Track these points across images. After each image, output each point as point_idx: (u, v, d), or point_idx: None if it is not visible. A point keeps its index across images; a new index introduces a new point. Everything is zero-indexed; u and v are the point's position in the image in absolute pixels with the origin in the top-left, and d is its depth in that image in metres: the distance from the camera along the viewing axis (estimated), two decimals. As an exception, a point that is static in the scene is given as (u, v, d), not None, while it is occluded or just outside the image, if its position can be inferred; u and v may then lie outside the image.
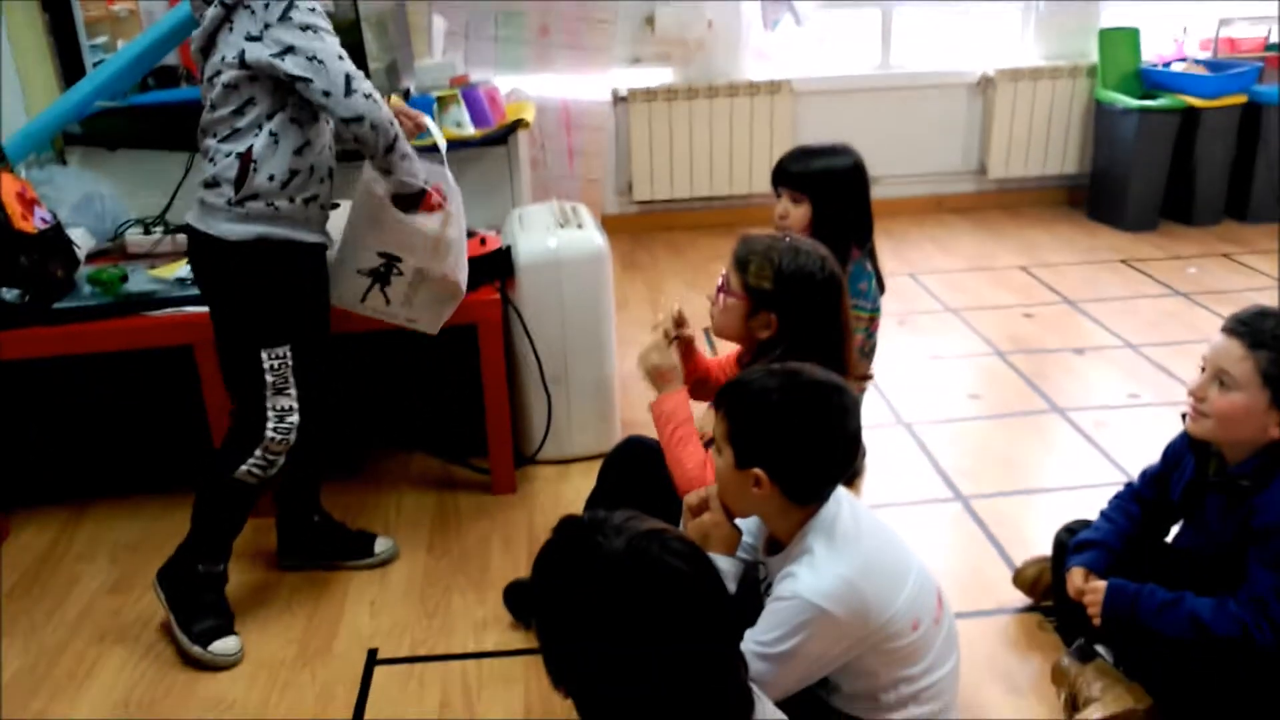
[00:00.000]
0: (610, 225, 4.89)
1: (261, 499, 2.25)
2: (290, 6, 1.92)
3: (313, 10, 1.95)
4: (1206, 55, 5.00)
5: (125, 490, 2.84)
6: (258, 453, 2.11)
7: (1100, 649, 1.96)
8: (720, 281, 2.07)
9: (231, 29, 1.95)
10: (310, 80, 1.92)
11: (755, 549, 1.77)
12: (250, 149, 1.98)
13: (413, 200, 2.19)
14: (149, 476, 2.88)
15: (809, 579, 1.54)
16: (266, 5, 1.92)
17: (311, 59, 1.92)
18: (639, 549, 1.19)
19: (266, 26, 1.91)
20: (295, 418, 2.12)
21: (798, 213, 2.57)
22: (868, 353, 2.70)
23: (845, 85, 5.06)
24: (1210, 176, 4.86)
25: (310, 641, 2.25)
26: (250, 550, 2.51)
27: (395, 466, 2.91)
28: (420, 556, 2.53)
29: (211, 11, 1.96)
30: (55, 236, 2.45)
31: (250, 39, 1.92)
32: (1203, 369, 1.82)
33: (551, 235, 2.79)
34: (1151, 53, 5.05)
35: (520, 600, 2.26)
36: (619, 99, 4.86)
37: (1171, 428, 2.98)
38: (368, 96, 1.96)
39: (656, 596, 1.16)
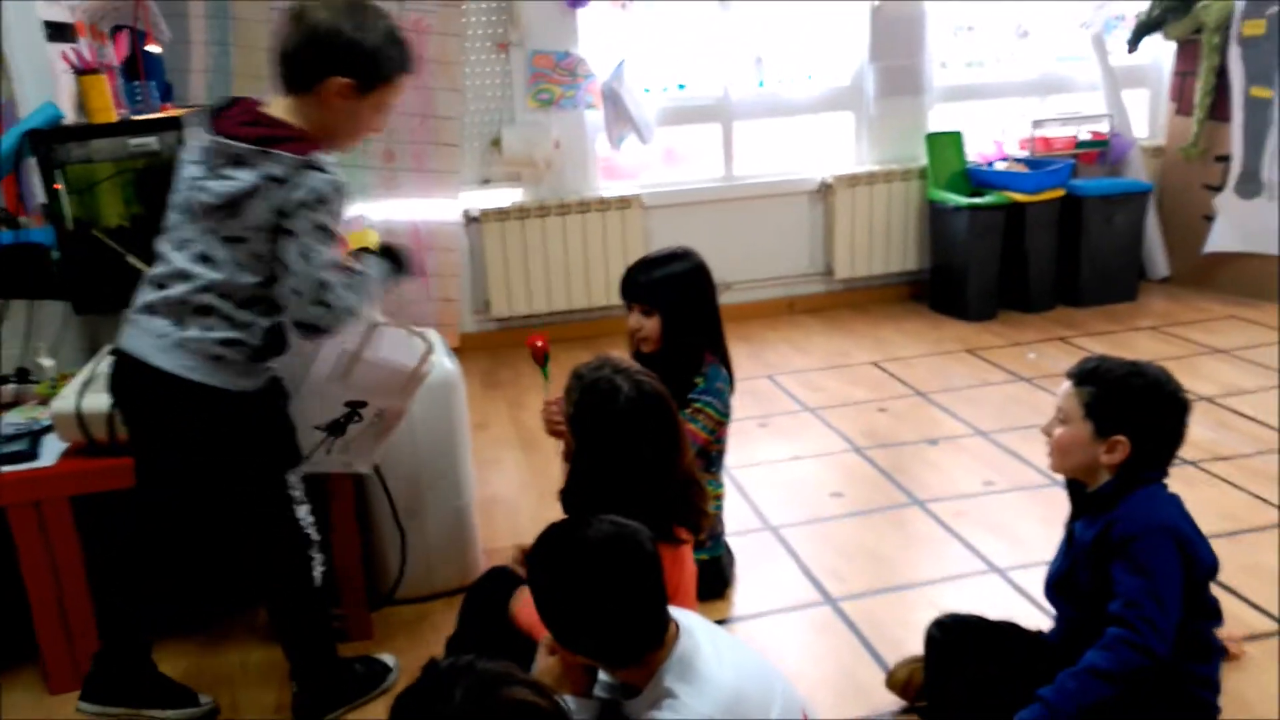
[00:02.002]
0: (469, 344, 4.86)
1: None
2: (322, 201, 1.91)
3: (336, 216, 1.95)
4: (1025, 154, 5.34)
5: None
6: (314, 554, 2.21)
7: (975, 749, 1.95)
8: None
9: (266, 199, 1.91)
10: (289, 272, 1.92)
11: (615, 687, 1.69)
12: (276, 325, 2.03)
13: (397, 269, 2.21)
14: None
15: (672, 723, 1.47)
16: (309, 187, 1.90)
17: (304, 256, 1.91)
18: (485, 706, 1.12)
19: (298, 204, 1.90)
20: (312, 517, 2.21)
21: (650, 324, 2.57)
22: (716, 458, 2.68)
23: (692, 197, 5.20)
24: (1040, 265, 5.15)
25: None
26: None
27: (239, 622, 2.72)
28: None
29: (248, 178, 1.90)
30: None
31: (279, 213, 1.91)
32: None
33: (399, 364, 2.71)
34: (975, 153, 5.37)
35: (378, 758, 2.11)
36: (471, 219, 4.86)
37: (1027, 512, 3.09)
38: (328, 307, 1.94)
39: None
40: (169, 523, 2.20)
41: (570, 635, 1.55)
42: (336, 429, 2.33)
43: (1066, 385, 1.99)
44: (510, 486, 3.54)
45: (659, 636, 1.55)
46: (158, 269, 2.03)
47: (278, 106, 1.99)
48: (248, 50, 4.35)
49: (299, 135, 1.94)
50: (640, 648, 1.54)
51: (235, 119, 1.97)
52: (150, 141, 2.81)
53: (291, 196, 1.90)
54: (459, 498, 2.78)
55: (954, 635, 2.13)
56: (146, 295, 2.03)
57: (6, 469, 2.32)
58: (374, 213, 4.43)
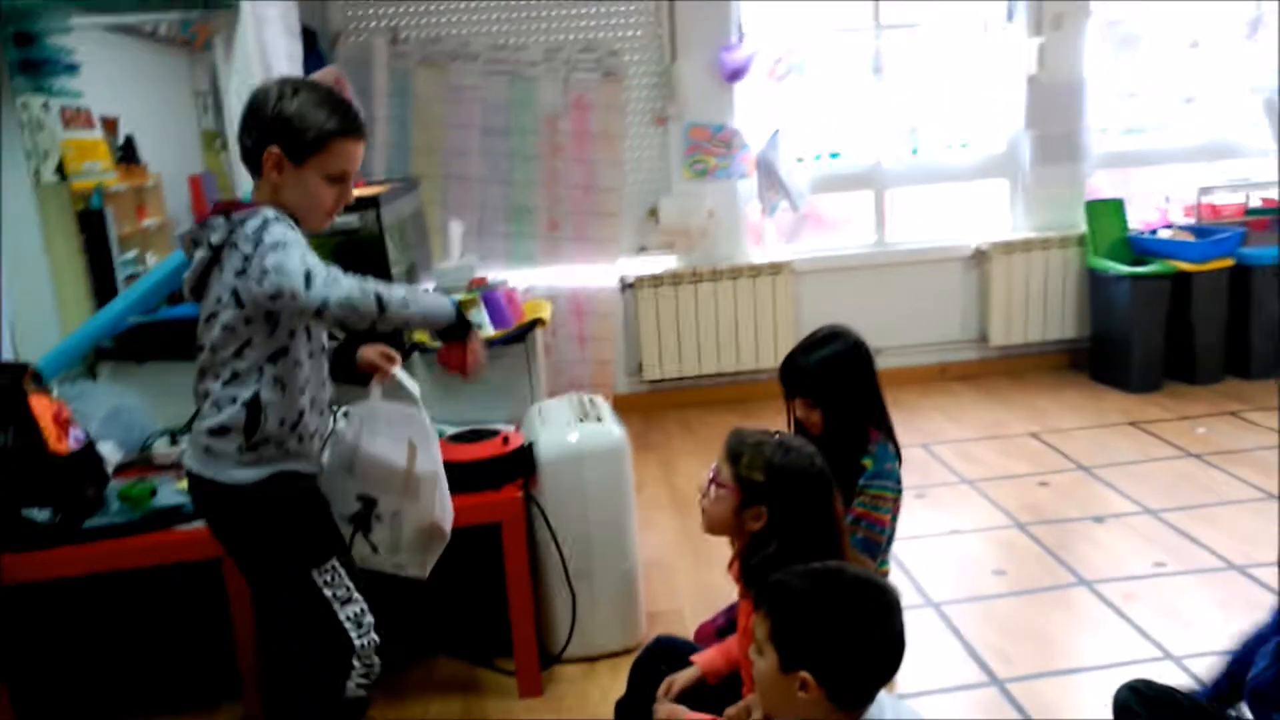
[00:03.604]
0: (622, 405, 4.98)
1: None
2: (263, 228, 1.86)
3: (289, 229, 1.89)
4: (1190, 221, 5.19)
5: (148, 710, 2.78)
6: (357, 664, 2.07)
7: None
8: (711, 473, 2.06)
9: (221, 269, 1.92)
10: (279, 293, 1.83)
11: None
12: (257, 396, 1.95)
13: (456, 331, 2.04)
14: (172, 695, 2.83)
15: (856, 789, 1.51)
16: (246, 235, 1.88)
17: (277, 268, 1.83)
18: None
19: (247, 259, 1.87)
20: (370, 617, 2.08)
21: (816, 414, 2.55)
22: (889, 538, 2.67)
23: (843, 264, 5.24)
24: (1208, 336, 4.97)
25: None
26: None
27: (419, 672, 2.86)
28: (448, 772, 2.46)
29: (200, 254, 1.95)
30: (88, 456, 2.49)
31: (239, 274, 1.89)
32: None
33: (572, 429, 2.84)
34: (1137, 220, 5.25)
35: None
36: (627, 285, 5.03)
37: (1202, 596, 2.99)
38: (327, 282, 1.85)
39: None
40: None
41: (828, 660, 1.55)
42: (360, 522, 2.24)
43: None
44: (666, 549, 3.62)
45: (889, 677, 1.60)
46: None
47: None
48: (426, 126, 4.65)
49: (242, 205, 1.94)
50: (876, 686, 1.58)
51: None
52: (351, 220, 3.04)
53: (240, 251, 1.87)
54: (625, 560, 2.87)
55: (1151, 706, 2.02)
56: None
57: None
58: (538, 279, 4.64)
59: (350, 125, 1.96)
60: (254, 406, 1.95)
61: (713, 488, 2.05)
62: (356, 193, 3.29)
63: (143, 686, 2.86)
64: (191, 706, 2.76)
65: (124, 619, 2.89)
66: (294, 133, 1.91)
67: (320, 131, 1.92)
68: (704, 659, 2.21)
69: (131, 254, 3.88)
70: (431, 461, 2.23)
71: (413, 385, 2.27)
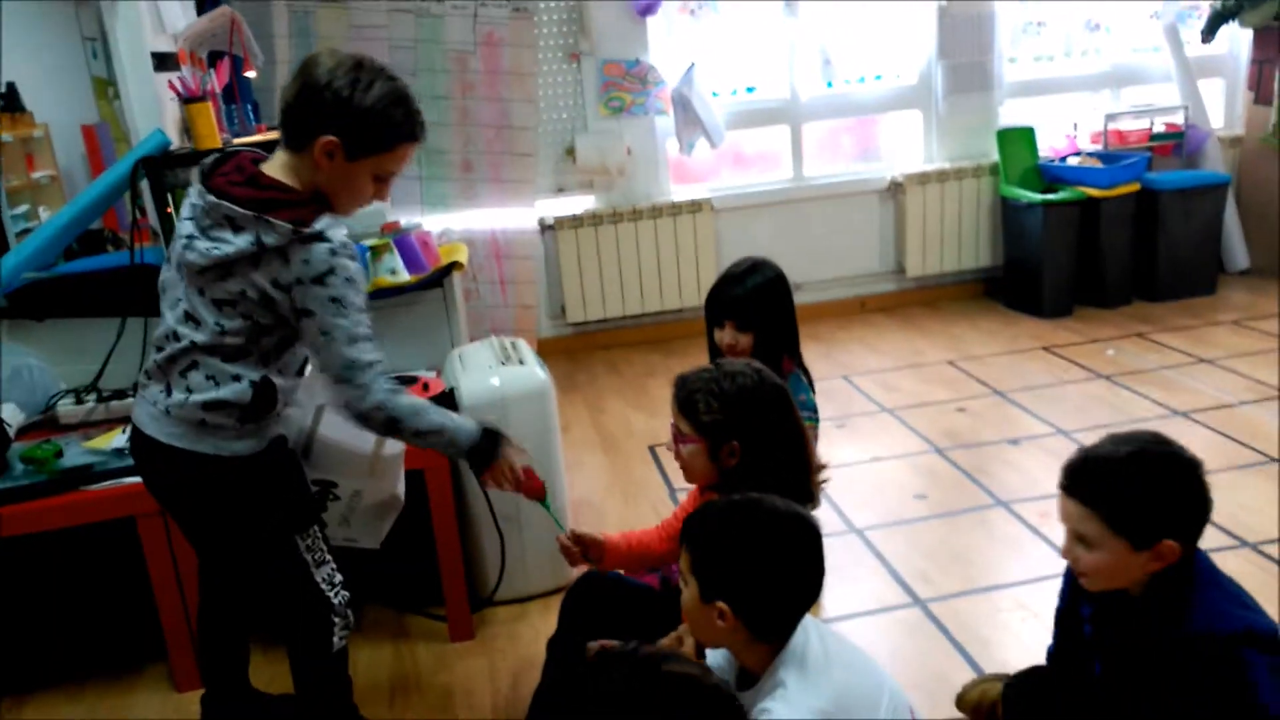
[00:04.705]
0: (546, 349, 4.96)
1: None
2: (329, 272, 1.79)
3: (349, 281, 1.82)
4: (1098, 148, 5.30)
5: (66, 676, 2.71)
6: (337, 620, 2.07)
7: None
8: (672, 433, 2.06)
9: (258, 267, 1.80)
10: (316, 352, 1.86)
11: (728, 684, 1.76)
12: (268, 379, 1.90)
13: (480, 456, 2.05)
14: (90, 658, 2.76)
15: (783, 713, 1.53)
16: (306, 261, 1.78)
17: (325, 333, 1.81)
18: (649, 680, 1.19)
19: (298, 282, 1.79)
20: (340, 576, 2.09)
21: (745, 339, 2.59)
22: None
23: (762, 199, 5.24)
24: (1116, 261, 5.10)
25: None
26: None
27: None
28: None
29: (241, 242, 1.78)
30: (-14, 418, 2.39)
31: (276, 286, 1.80)
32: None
33: (494, 373, 2.81)
34: (1047, 148, 5.34)
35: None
36: (546, 227, 4.97)
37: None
38: (358, 386, 1.85)
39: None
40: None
41: (744, 592, 1.58)
42: None
43: (1073, 507, 1.74)
44: (595, 488, 3.62)
45: (806, 608, 1.62)
46: (158, 330, 1.96)
47: (275, 163, 1.87)
48: (330, 68, 4.48)
49: (295, 199, 1.82)
50: (793, 617, 1.61)
51: (229, 177, 1.85)
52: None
53: (291, 272, 1.79)
54: (554, 500, 2.85)
55: (1028, 691, 2.05)
56: (150, 359, 1.97)
57: (130, 480, 2.44)
58: (454, 223, 4.55)
59: (419, 130, 1.88)
60: (266, 388, 1.90)
61: (680, 447, 2.05)
62: (258, 138, 3.20)
63: (61, 652, 2.79)
64: (115, 670, 2.70)
65: (35, 584, 2.80)
66: (362, 129, 1.80)
67: (391, 135, 1.84)
68: (612, 539, 2.25)
69: (22, 208, 3.71)
70: (396, 442, 2.19)
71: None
